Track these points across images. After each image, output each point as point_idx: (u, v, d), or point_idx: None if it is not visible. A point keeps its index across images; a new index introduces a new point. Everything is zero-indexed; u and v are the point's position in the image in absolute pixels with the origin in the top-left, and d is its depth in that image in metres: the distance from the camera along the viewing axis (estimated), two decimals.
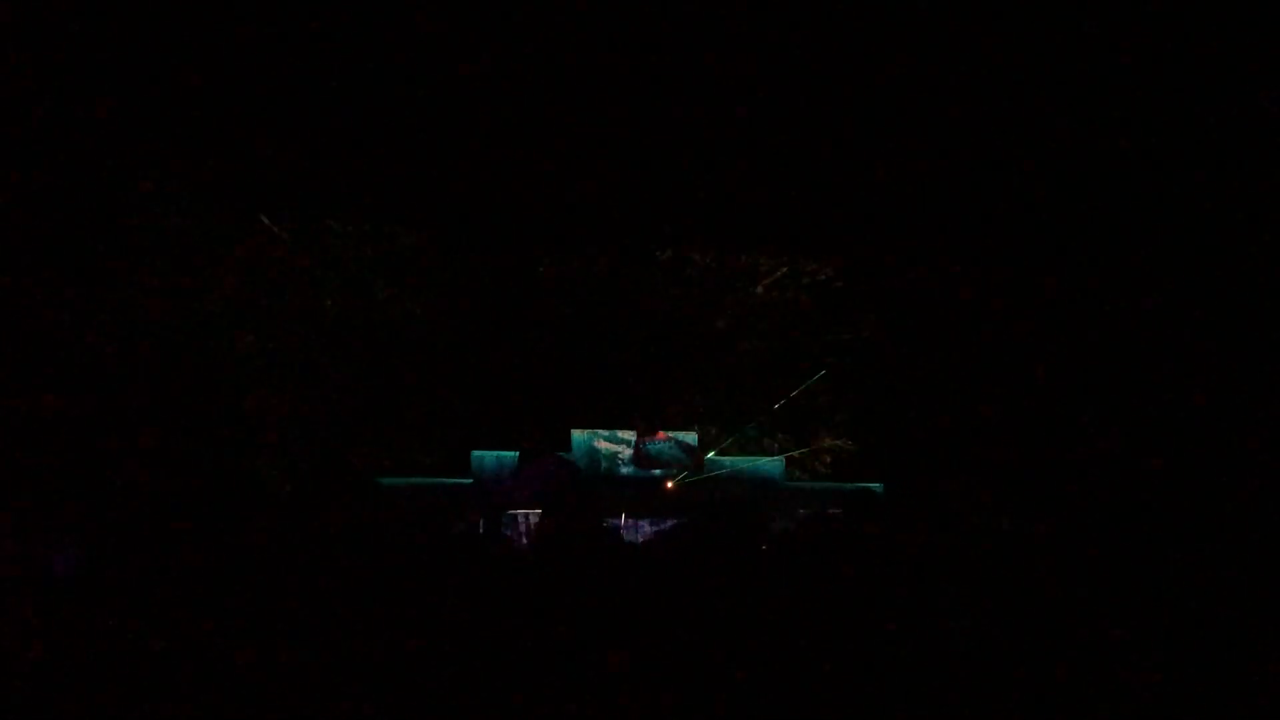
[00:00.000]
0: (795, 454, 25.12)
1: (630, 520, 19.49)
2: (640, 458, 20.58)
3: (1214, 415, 21.82)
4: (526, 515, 19.42)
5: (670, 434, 21.73)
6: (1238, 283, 22.27)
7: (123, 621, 3.18)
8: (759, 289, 26.46)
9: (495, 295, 25.60)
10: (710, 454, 21.95)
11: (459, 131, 26.17)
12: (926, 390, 24.08)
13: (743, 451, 24.59)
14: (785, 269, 26.43)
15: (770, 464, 22.03)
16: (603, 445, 20.73)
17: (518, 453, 19.98)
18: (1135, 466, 21.86)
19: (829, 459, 25.96)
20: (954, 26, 22.75)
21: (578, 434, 20.75)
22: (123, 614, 3.23)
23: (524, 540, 18.24)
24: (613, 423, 21.46)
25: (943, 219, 24.06)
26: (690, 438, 21.85)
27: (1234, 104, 21.54)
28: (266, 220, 23.12)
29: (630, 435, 21.01)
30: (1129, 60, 22.53)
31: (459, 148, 25.99)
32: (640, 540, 18.82)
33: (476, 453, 20.07)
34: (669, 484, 20.42)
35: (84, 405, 19.18)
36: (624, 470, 20.62)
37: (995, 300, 23.71)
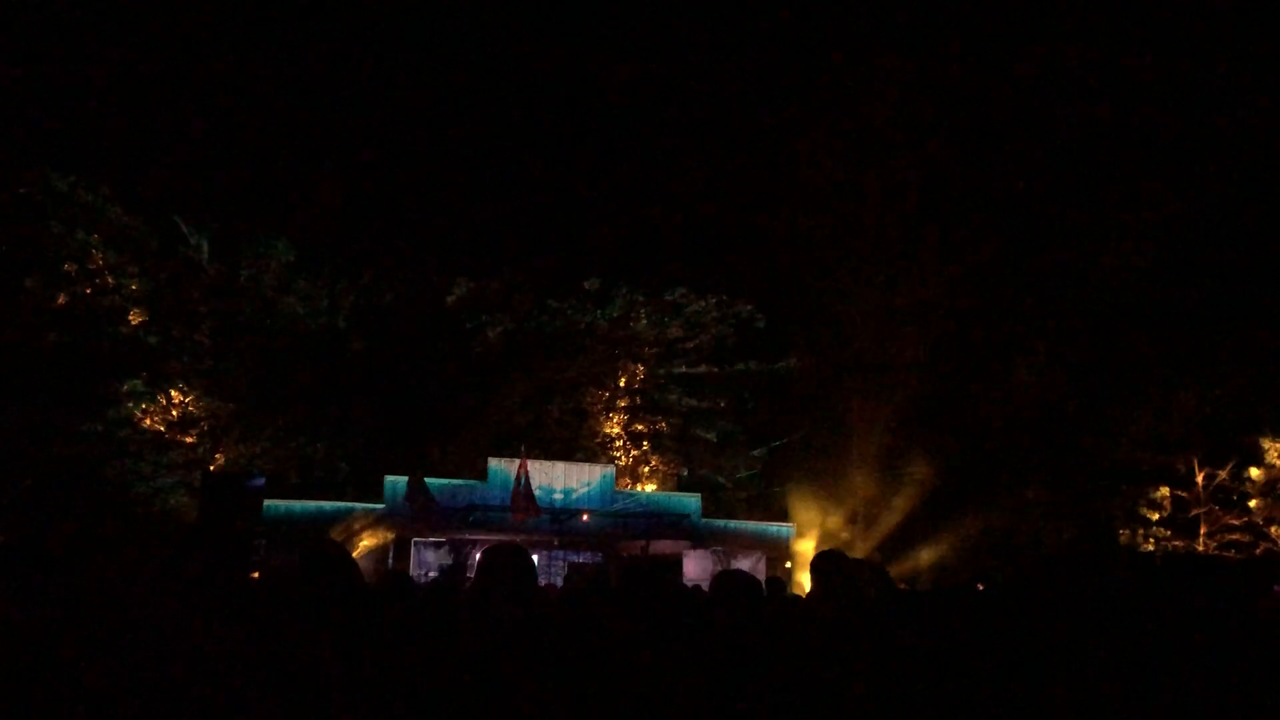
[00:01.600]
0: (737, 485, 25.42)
1: (546, 551, 19.32)
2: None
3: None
4: (435, 545, 19.10)
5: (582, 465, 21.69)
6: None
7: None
8: (678, 324, 26.71)
9: (410, 322, 25.34)
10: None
11: (392, 161, 26.08)
12: (839, 430, 24.52)
13: (662, 486, 24.69)
14: (710, 301, 26.77)
15: (686, 500, 22.09)
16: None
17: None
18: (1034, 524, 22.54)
19: (744, 497, 26.25)
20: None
21: (494, 464, 20.49)
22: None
23: (435, 573, 17.89)
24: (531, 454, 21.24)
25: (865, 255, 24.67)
26: (608, 470, 21.82)
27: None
28: (182, 225, 22.41)
29: (548, 466, 20.83)
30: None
31: (391, 183, 25.90)
32: (559, 571, 18.65)
33: (390, 478, 19.66)
34: (584, 516, 20.29)
35: None
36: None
37: (904, 337, 24.25)
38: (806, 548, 21.67)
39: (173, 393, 21.63)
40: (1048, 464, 23.33)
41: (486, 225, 26.74)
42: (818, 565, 3.80)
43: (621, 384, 26.28)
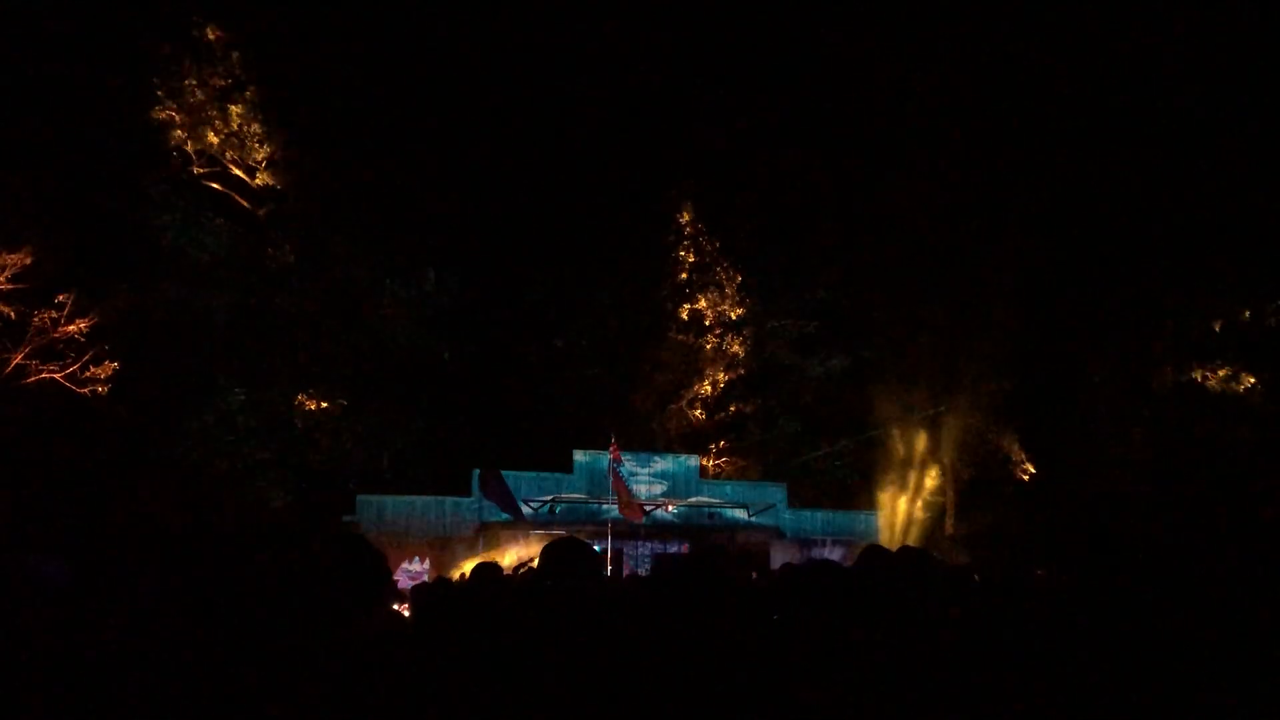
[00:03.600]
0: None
1: (632, 542, 19.41)
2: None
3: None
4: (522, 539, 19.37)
5: (669, 457, 21.71)
6: None
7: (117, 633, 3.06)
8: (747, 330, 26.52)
9: (495, 317, 25.72)
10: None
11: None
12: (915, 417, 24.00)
13: (747, 476, 24.54)
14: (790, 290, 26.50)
15: (772, 489, 21.95)
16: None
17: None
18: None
19: (830, 487, 25.87)
20: None
21: (579, 455, 20.68)
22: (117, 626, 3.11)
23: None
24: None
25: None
26: (693, 460, 21.82)
27: None
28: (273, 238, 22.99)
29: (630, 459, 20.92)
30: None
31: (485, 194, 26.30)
32: (642, 561, 18.74)
33: (478, 471, 19.98)
34: (669, 506, 20.32)
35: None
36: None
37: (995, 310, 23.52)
38: (890, 524, 21.57)
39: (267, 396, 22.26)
40: (1150, 449, 22.40)
41: (568, 216, 26.93)
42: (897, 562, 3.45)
43: (705, 373, 26.18)
